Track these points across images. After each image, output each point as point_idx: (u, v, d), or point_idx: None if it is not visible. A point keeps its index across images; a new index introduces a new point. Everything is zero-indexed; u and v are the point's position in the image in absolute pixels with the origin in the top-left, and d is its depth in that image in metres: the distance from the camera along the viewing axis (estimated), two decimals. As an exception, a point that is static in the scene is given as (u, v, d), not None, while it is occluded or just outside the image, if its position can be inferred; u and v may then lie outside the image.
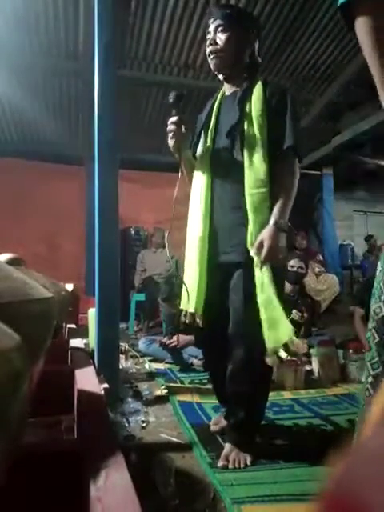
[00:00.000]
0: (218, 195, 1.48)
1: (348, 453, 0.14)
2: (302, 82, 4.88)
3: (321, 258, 5.48)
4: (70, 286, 2.63)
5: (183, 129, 1.46)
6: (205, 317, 1.47)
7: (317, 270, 4.98)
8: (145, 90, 4.82)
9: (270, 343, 1.27)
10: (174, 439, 1.58)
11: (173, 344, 2.76)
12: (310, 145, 5.48)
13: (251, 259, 1.33)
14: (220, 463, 1.35)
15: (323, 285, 4.92)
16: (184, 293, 1.49)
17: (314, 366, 2.48)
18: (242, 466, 1.33)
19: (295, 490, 1.19)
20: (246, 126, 1.40)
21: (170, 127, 1.45)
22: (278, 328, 1.27)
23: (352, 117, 4.91)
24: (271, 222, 1.33)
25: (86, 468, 0.49)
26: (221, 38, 1.43)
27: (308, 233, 5.85)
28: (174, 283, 2.98)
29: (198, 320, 1.47)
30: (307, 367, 2.47)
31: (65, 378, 1.01)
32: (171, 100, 1.45)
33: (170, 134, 1.45)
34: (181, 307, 1.53)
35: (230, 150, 1.44)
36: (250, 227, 1.35)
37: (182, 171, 1.55)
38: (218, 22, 1.44)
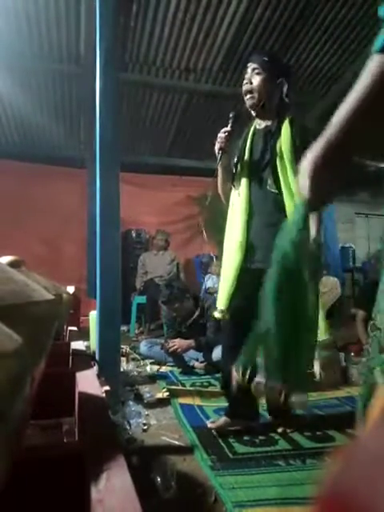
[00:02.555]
0: (258, 214, 1.72)
1: (345, 453, 0.14)
2: (303, 85, 4.89)
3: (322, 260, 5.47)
4: (71, 289, 2.63)
5: (229, 139, 1.72)
6: (232, 317, 1.68)
7: (318, 272, 4.97)
8: (146, 93, 4.84)
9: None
10: (175, 442, 1.58)
11: (173, 348, 2.76)
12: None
13: None
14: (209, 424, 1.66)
15: (324, 287, 4.91)
16: (221, 292, 1.73)
17: (316, 368, 2.47)
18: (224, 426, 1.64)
19: (296, 493, 1.19)
20: (279, 165, 1.64)
21: (221, 134, 1.72)
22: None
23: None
24: (312, 239, 1.53)
25: (87, 470, 0.49)
26: (256, 79, 1.69)
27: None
28: (175, 286, 2.98)
29: (222, 314, 1.70)
30: (308, 370, 2.46)
31: (66, 381, 1.01)
32: (231, 115, 1.75)
33: (219, 139, 1.72)
34: (219, 307, 1.74)
35: (265, 181, 1.69)
36: None
37: (216, 175, 1.82)
38: (254, 65, 1.71)
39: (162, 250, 5.02)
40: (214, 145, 1.74)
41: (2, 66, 4.10)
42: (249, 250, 1.69)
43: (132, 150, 5.46)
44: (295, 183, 1.57)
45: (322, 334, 1.55)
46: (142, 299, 4.58)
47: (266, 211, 1.69)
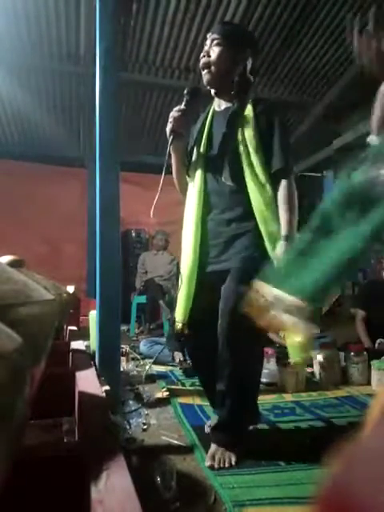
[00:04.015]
0: (214, 209, 1.52)
1: (346, 453, 0.14)
2: (303, 85, 4.89)
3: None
4: (71, 288, 2.63)
5: (185, 120, 1.50)
6: (193, 325, 1.50)
7: (318, 272, 4.97)
8: (146, 92, 4.83)
9: None
10: (175, 442, 1.58)
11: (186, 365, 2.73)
12: (311, 147, 5.48)
13: (251, 265, 1.34)
14: (207, 463, 1.35)
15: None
16: (179, 303, 1.53)
17: (316, 368, 2.47)
18: (226, 465, 1.34)
19: (296, 493, 1.18)
20: (241, 150, 1.43)
21: (174, 113, 1.50)
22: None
23: (353, 119, 4.92)
24: (282, 238, 1.39)
25: (87, 470, 0.49)
26: (214, 50, 1.46)
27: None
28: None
29: (181, 327, 1.50)
30: (308, 370, 2.46)
31: (66, 381, 1.01)
32: (186, 91, 1.51)
33: (171, 119, 1.50)
34: (175, 316, 1.56)
35: (221, 172, 1.48)
36: (266, 239, 1.42)
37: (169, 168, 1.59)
38: (214, 35, 1.47)
39: (162, 250, 5.02)
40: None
41: (2, 66, 4.10)
42: (204, 251, 1.50)
43: (132, 150, 5.46)
44: (262, 174, 1.42)
45: (295, 356, 1.45)
46: (142, 299, 4.58)
47: (224, 207, 1.49)
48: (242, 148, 1.44)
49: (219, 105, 1.57)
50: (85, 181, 5.23)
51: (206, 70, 1.48)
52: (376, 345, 2.80)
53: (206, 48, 1.49)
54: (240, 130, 1.45)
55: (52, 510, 0.53)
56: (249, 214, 1.44)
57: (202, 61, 1.48)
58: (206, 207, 1.52)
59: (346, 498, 0.13)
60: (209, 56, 1.47)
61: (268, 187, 1.42)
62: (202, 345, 1.54)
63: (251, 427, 1.61)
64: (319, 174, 6.14)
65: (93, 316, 2.55)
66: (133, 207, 5.12)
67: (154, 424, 1.74)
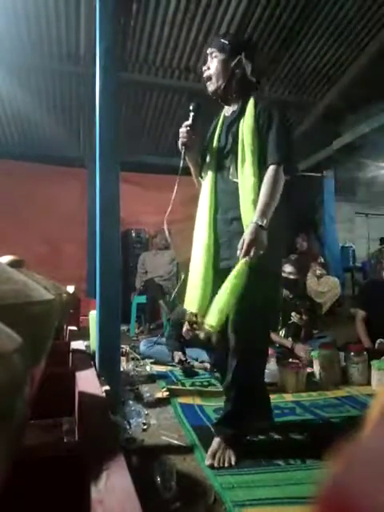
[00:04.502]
0: (220, 209, 1.60)
1: (345, 453, 0.14)
2: (303, 85, 4.89)
3: (322, 260, 5.48)
4: (71, 288, 2.63)
5: (192, 133, 1.60)
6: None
7: (318, 272, 4.98)
8: (146, 92, 4.83)
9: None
10: (175, 442, 1.58)
11: (186, 365, 2.74)
12: (311, 147, 5.48)
13: (255, 263, 1.41)
14: (207, 462, 1.37)
15: (324, 287, 4.91)
16: (189, 294, 1.59)
17: (316, 368, 2.47)
18: (226, 465, 1.37)
19: (296, 493, 1.19)
20: (239, 148, 1.51)
21: (182, 129, 1.61)
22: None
23: (353, 119, 4.92)
24: (253, 220, 1.43)
25: (87, 470, 0.49)
26: (213, 63, 1.59)
27: (309, 235, 5.84)
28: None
29: (200, 321, 1.53)
30: (309, 370, 2.46)
31: (66, 381, 1.01)
32: (191, 107, 1.63)
33: (181, 134, 1.61)
34: (185, 307, 1.62)
35: (228, 170, 1.57)
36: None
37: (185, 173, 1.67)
38: (211, 49, 1.61)
39: (162, 250, 5.02)
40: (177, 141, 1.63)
41: (2, 66, 4.10)
42: (215, 248, 1.58)
43: (132, 150, 5.46)
44: (251, 166, 1.47)
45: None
46: (142, 299, 4.58)
47: (229, 204, 1.56)
48: (240, 144, 1.51)
49: (228, 110, 1.68)
50: (85, 181, 5.23)
51: (208, 82, 1.62)
52: (376, 345, 2.80)
53: (207, 62, 1.62)
54: (241, 127, 1.53)
55: (52, 510, 0.53)
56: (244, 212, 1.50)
57: (205, 74, 1.62)
58: (216, 206, 1.61)
59: (346, 498, 0.13)
60: (208, 69, 1.61)
61: (254, 184, 1.46)
62: (222, 337, 1.59)
63: (262, 425, 1.64)
64: (319, 174, 6.14)
65: (93, 316, 2.55)
66: (133, 207, 5.13)
67: (153, 424, 1.74)
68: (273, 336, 2.79)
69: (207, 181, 1.64)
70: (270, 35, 4.13)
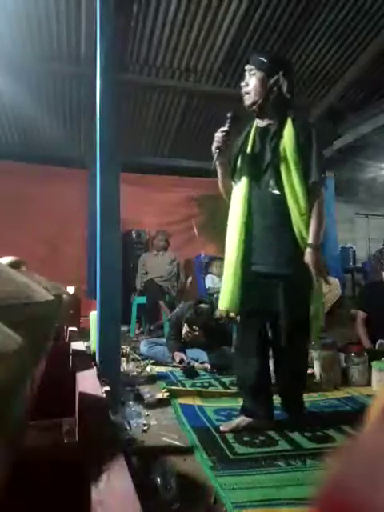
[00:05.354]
0: (256, 215, 1.71)
1: (345, 453, 0.14)
2: (303, 86, 4.89)
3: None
4: (71, 289, 2.64)
5: (227, 139, 1.72)
6: (242, 318, 1.71)
7: (318, 272, 4.96)
8: (146, 93, 4.84)
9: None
10: (176, 442, 1.58)
11: (187, 366, 2.74)
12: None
13: (297, 272, 1.63)
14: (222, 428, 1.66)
15: (325, 288, 4.90)
16: (223, 294, 1.73)
17: (316, 369, 2.47)
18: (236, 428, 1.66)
19: (296, 494, 1.18)
20: (282, 166, 1.64)
21: (218, 133, 1.72)
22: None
23: (353, 120, 4.92)
24: (311, 245, 1.62)
25: (87, 471, 0.49)
26: (251, 80, 1.71)
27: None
28: (203, 312, 2.89)
29: (232, 315, 1.70)
30: (309, 371, 2.46)
31: (66, 381, 1.01)
32: (228, 115, 1.73)
33: (216, 139, 1.72)
34: (219, 307, 1.75)
35: (266, 183, 1.69)
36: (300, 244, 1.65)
37: (219, 174, 1.82)
38: (249, 66, 1.73)
39: (162, 251, 5.01)
40: (212, 144, 1.75)
41: (3, 67, 4.10)
42: (247, 250, 1.69)
43: (132, 151, 5.46)
44: (299, 185, 1.62)
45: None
46: (142, 300, 4.58)
47: (267, 213, 1.69)
48: (283, 161, 1.64)
49: (261, 122, 1.78)
50: (85, 182, 5.23)
51: (246, 97, 1.74)
52: (376, 346, 2.80)
53: (245, 78, 1.74)
54: (281, 144, 1.66)
55: (52, 511, 0.53)
56: (287, 221, 1.64)
57: (243, 90, 1.74)
58: (250, 211, 1.71)
59: (346, 498, 0.13)
60: (247, 85, 1.73)
61: (303, 198, 1.62)
62: (253, 332, 1.75)
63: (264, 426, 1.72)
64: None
65: (93, 317, 2.55)
66: (133, 208, 5.12)
67: (154, 425, 1.74)
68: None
69: (240, 186, 1.73)
70: (270, 36, 4.14)
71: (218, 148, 1.72)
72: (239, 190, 1.74)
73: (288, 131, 1.66)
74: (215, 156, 1.74)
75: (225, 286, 1.72)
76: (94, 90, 2.14)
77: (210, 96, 4.93)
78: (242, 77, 1.80)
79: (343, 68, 4.59)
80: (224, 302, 1.71)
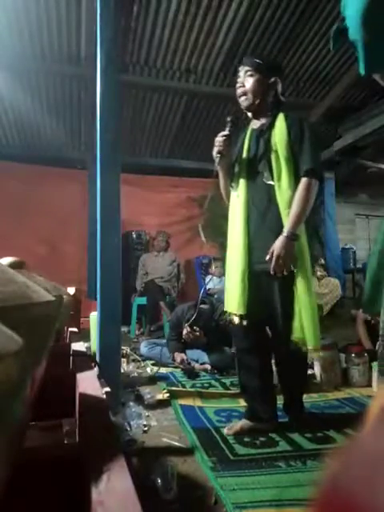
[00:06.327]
0: (254, 213, 1.71)
1: (345, 453, 0.14)
2: (303, 87, 4.89)
3: (323, 261, 5.47)
4: (71, 290, 2.63)
5: (228, 143, 1.73)
6: (249, 316, 1.67)
7: (319, 273, 4.98)
8: (147, 94, 4.84)
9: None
10: (176, 443, 1.58)
11: (187, 366, 2.75)
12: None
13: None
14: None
15: (325, 288, 4.91)
16: (228, 296, 1.73)
17: (316, 370, 2.47)
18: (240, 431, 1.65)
19: (297, 495, 1.18)
20: (273, 157, 1.64)
21: (219, 138, 1.73)
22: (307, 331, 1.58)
23: (353, 121, 4.92)
24: (284, 232, 1.57)
25: (87, 472, 0.49)
26: (249, 81, 1.71)
27: (310, 236, 5.84)
28: (204, 313, 2.89)
29: (237, 319, 1.67)
30: (309, 371, 2.46)
31: (66, 382, 1.01)
32: (229, 119, 1.76)
33: (217, 143, 1.73)
34: (225, 309, 1.75)
35: (261, 174, 1.69)
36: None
37: (216, 176, 1.82)
38: (247, 67, 1.73)
39: (163, 251, 5.02)
40: (212, 148, 1.75)
41: (3, 67, 4.11)
42: (249, 251, 1.69)
43: (133, 151, 5.47)
44: (287, 177, 1.61)
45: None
46: (143, 300, 4.58)
47: (262, 206, 1.69)
48: (274, 154, 1.64)
49: (255, 123, 1.80)
50: (86, 182, 5.24)
51: (243, 97, 1.74)
52: (377, 346, 2.79)
53: (240, 79, 1.74)
54: (273, 136, 1.67)
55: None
56: (281, 216, 1.63)
57: (239, 91, 1.74)
58: (249, 212, 1.72)
59: (345, 499, 0.13)
60: (244, 86, 1.72)
61: (289, 190, 1.61)
62: (258, 332, 1.74)
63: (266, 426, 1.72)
64: (320, 176, 6.13)
65: (93, 318, 2.55)
66: (133, 209, 5.13)
67: (154, 426, 1.74)
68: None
69: (239, 189, 1.74)
70: (270, 37, 4.14)
71: (219, 152, 1.73)
72: (239, 192, 1.75)
73: (280, 125, 1.68)
74: (217, 160, 1.75)
75: (232, 289, 1.70)
76: (95, 90, 2.14)
77: (211, 97, 4.93)
78: (236, 77, 1.80)
79: (343, 69, 4.59)
80: (233, 305, 1.69)
